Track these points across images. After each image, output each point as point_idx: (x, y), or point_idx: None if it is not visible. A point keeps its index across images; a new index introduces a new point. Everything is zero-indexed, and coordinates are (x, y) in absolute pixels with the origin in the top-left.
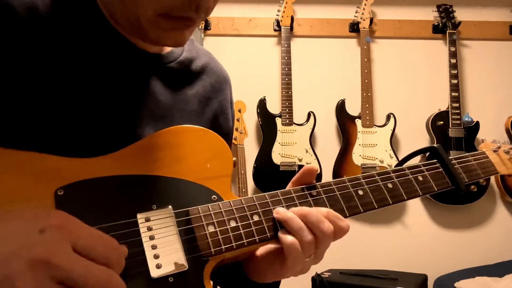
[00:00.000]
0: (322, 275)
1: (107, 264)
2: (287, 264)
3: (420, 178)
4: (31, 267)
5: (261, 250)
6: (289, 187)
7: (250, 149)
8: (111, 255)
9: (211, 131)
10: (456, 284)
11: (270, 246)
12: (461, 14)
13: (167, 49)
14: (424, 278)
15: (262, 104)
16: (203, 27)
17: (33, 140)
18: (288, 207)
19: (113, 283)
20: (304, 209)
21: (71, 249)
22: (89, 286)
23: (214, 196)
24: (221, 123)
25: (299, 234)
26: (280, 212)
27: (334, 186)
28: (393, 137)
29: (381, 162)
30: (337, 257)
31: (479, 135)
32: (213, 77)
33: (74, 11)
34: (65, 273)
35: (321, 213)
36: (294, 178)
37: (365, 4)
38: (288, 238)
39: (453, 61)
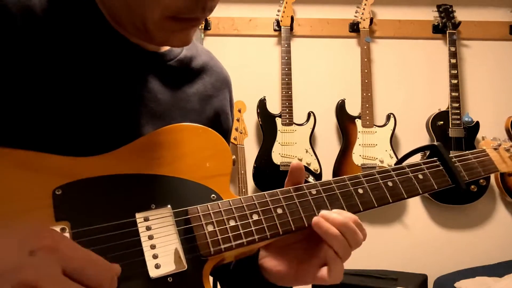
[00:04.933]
0: None
1: (98, 287)
2: (332, 274)
3: (420, 177)
4: None
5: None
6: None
7: (250, 149)
8: (102, 278)
9: (210, 129)
10: (456, 284)
11: (299, 255)
12: (461, 14)
13: (167, 47)
14: (424, 278)
15: (262, 104)
16: (203, 27)
17: (32, 139)
18: (288, 206)
19: None
20: (347, 222)
21: (61, 272)
22: None
23: (213, 195)
24: (221, 122)
25: (344, 249)
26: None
27: (334, 185)
28: (393, 137)
29: (381, 162)
30: None
31: (479, 135)
32: (214, 76)
33: (72, 11)
34: None
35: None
36: (286, 180)
37: (365, 4)
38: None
39: (453, 61)
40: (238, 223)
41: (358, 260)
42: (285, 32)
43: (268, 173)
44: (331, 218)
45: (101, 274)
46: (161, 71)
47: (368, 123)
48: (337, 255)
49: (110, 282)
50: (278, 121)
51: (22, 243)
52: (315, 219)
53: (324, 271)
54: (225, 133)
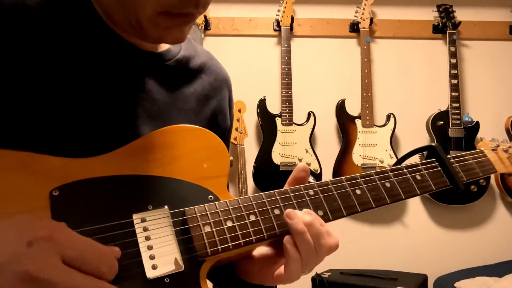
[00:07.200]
0: (322, 275)
1: (98, 273)
2: (287, 273)
3: (418, 177)
4: (19, 282)
5: (256, 254)
6: (285, 188)
7: (250, 149)
8: (101, 264)
9: (208, 130)
10: (456, 284)
11: (266, 252)
12: (461, 14)
13: (164, 47)
14: (424, 278)
15: (262, 104)
16: (203, 27)
17: (28, 140)
18: (285, 207)
19: None
20: (315, 228)
21: (60, 261)
22: None
23: (210, 196)
24: (219, 122)
25: (308, 251)
26: (294, 223)
27: (331, 186)
28: (393, 137)
29: (381, 162)
30: (337, 257)
31: (479, 135)
32: (212, 76)
33: (68, 11)
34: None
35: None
36: (289, 179)
37: (365, 4)
38: (294, 254)
39: (453, 61)
40: (235, 224)
41: (358, 260)
42: (285, 32)
43: (268, 173)
44: (300, 215)
45: (99, 260)
46: (159, 71)
47: (368, 123)
48: (299, 253)
49: (110, 265)
50: (278, 121)
51: (20, 235)
52: (288, 210)
53: (282, 268)
54: (223, 132)
